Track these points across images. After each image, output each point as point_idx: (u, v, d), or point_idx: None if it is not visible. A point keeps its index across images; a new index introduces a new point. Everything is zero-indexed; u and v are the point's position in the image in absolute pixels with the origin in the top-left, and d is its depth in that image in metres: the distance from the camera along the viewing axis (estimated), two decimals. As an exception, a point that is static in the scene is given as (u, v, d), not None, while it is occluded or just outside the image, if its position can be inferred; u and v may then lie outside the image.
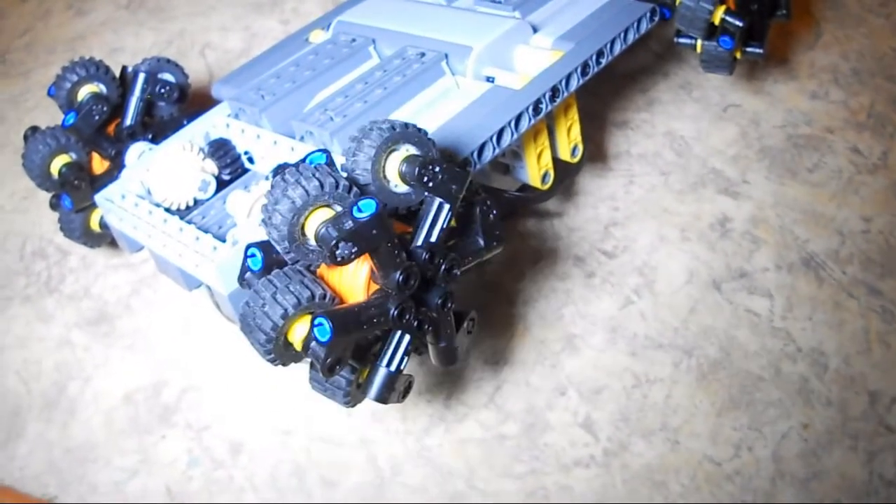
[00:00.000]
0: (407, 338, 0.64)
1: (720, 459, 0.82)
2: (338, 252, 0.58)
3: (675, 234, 0.97)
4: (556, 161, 0.90)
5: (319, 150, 0.68)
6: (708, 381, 0.86)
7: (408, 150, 0.65)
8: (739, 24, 0.89)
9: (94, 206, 0.85)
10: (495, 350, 0.90)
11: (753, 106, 1.10)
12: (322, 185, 0.60)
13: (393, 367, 0.63)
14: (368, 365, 0.65)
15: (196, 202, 0.81)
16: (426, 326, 0.64)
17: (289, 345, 0.61)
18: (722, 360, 0.87)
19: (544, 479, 0.82)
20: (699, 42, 0.95)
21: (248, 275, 0.65)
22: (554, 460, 0.83)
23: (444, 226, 0.64)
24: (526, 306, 0.92)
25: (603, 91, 1.14)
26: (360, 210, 0.58)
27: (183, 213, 0.80)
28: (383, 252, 0.60)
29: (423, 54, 0.83)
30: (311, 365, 0.65)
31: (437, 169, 0.63)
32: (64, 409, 0.91)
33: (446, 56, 0.83)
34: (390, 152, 0.65)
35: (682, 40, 0.96)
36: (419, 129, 0.66)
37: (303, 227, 0.61)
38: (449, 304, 0.65)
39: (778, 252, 0.94)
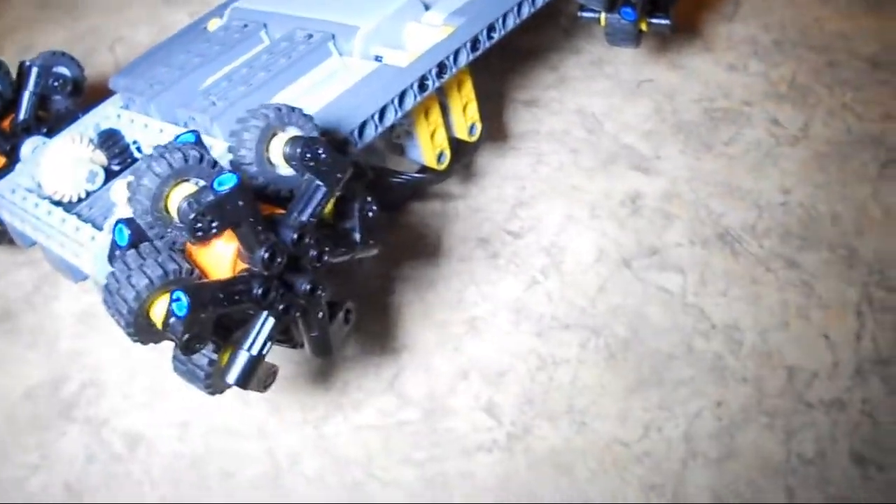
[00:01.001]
0: (271, 321, 0.63)
1: (629, 441, 0.81)
2: (198, 226, 0.57)
3: (584, 213, 0.96)
4: (453, 141, 0.89)
5: (190, 131, 0.67)
6: (616, 360, 0.85)
7: (291, 132, 0.66)
8: None
9: (-10, 202, 0.84)
10: (395, 335, 0.89)
11: (668, 80, 1.10)
12: (186, 159, 0.61)
13: (254, 351, 0.62)
14: (230, 348, 0.63)
15: (87, 193, 0.80)
16: (293, 312, 0.64)
17: (151, 322, 0.60)
18: (631, 339, 0.86)
19: (445, 465, 0.81)
20: (602, 15, 0.95)
21: (116, 252, 0.64)
22: (455, 446, 0.82)
23: (318, 207, 0.64)
24: (427, 290, 0.92)
25: (511, 70, 1.13)
26: (220, 184, 0.58)
27: (73, 206, 0.79)
28: (247, 228, 0.59)
29: (310, 36, 0.83)
30: (175, 345, 0.63)
31: (320, 150, 0.64)
32: (-35, 408, 0.90)
33: (333, 37, 0.83)
34: (273, 135, 0.66)
35: (584, 14, 0.96)
36: (301, 112, 0.67)
37: (166, 203, 0.61)
38: (318, 291, 0.64)
39: (692, 227, 0.94)
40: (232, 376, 0.62)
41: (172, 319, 0.57)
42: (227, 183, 0.58)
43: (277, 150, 0.66)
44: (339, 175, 0.64)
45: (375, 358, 0.88)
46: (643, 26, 0.96)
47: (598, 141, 1.03)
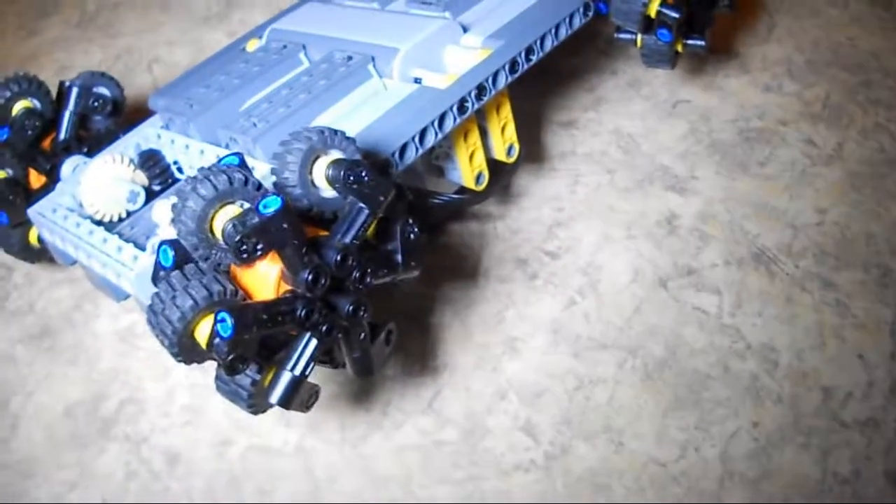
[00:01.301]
0: (314, 342, 0.64)
1: (665, 461, 0.81)
2: (243, 248, 0.58)
3: (620, 233, 0.97)
4: (492, 162, 0.90)
5: (233, 153, 0.68)
6: (653, 380, 0.86)
7: (334, 154, 0.67)
8: (676, 15, 0.90)
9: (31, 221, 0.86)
10: (435, 355, 0.90)
11: (704, 101, 1.11)
12: (231, 182, 0.62)
13: (297, 371, 0.63)
14: (273, 368, 0.64)
15: (128, 213, 0.82)
16: (336, 333, 0.64)
17: (195, 342, 0.61)
18: (668, 359, 0.87)
19: (482, 485, 0.81)
20: (639, 36, 0.96)
21: (161, 273, 0.65)
22: (493, 465, 0.83)
23: (361, 230, 0.65)
24: (467, 310, 0.93)
25: (549, 91, 1.14)
26: (265, 206, 0.59)
27: (114, 225, 0.81)
28: (291, 250, 0.60)
29: (350, 58, 0.84)
30: (218, 365, 0.64)
31: (363, 172, 0.64)
32: (6, 425, 0.91)
33: (373, 59, 0.84)
34: (317, 157, 0.66)
35: (621, 36, 0.97)
36: (344, 134, 0.67)
37: (211, 224, 0.62)
38: (361, 312, 0.65)
39: (727, 248, 0.94)
40: (275, 396, 0.63)
41: (217, 340, 0.58)
42: (272, 206, 0.59)
43: (320, 172, 0.66)
44: (381, 197, 0.65)
45: (415, 378, 0.88)
46: (679, 48, 0.96)
47: (635, 161, 1.04)
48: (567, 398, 0.85)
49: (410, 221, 0.69)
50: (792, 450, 0.80)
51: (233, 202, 0.63)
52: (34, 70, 1.22)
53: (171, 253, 0.64)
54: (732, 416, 0.83)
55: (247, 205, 0.62)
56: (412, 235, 0.69)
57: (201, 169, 0.63)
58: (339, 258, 0.62)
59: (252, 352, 0.61)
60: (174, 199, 0.70)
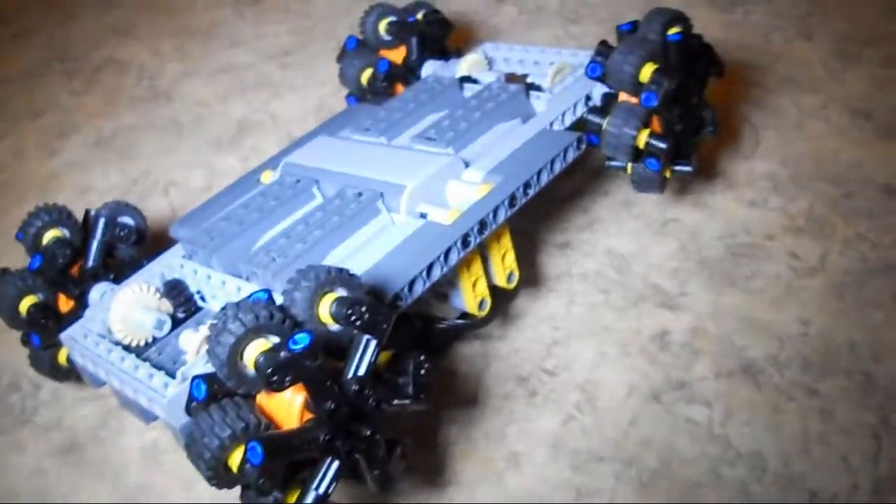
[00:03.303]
0: (336, 464, 0.72)
1: (662, 566, 0.88)
2: (273, 380, 0.68)
3: (615, 350, 1.04)
4: (493, 288, 0.98)
5: (262, 290, 0.77)
6: (648, 490, 0.92)
7: (340, 291, 0.76)
8: (663, 146, 0.98)
9: (61, 343, 0.95)
10: (440, 470, 0.97)
11: (693, 219, 1.19)
12: (258, 318, 0.71)
13: (321, 491, 0.72)
14: (297, 488, 0.73)
15: (154, 339, 0.92)
16: (356, 454, 0.73)
17: (229, 468, 0.70)
18: (662, 469, 0.94)
19: (492, 590, 0.88)
20: (629, 165, 1.04)
21: (193, 404, 0.74)
22: (501, 573, 0.89)
23: (372, 359, 0.73)
24: (471, 427, 1.00)
25: (546, 213, 1.23)
26: (295, 342, 0.69)
27: (142, 350, 0.90)
28: (316, 382, 0.70)
29: (360, 194, 0.93)
30: (245, 485, 0.73)
31: (364, 308, 0.73)
32: (37, 537, 0.98)
33: (382, 195, 0.93)
34: (323, 295, 0.75)
35: (612, 164, 1.05)
36: (349, 273, 0.77)
37: (242, 357, 0.71)
38: (378, 435, 0.74)
39: (716, 361, 1.02)
40: (303, 514, 0.72)
41: (248, 466, 0.67)
42: (301, 342, 0.68)
43: (326, 309, 0.75)
44: (384, 325, 0.74)
45: (425, 493, 0.95)
46: (668, 173, 1.04)
47: (628, 281, 1.12)
48: (567, 509, 0.93)
49: (422, 358, 0.77)
50: (782, 552, 0.87)
51: (262, 336, 0.72)
52: (55, 190, 1.34)
53: (203, 387, 0.73)
54: (724, 521, 0.90)
55: (273, 338, 0.72)
56: (423, 370, 0.77)
57: (231, 305, 0.72)
58: (356, 388, 0.72)
59: (279, 475, 0.70)
60: (202, 329, 0.80)
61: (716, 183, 1.25)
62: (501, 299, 1.01)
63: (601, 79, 1.01)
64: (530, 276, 1.14)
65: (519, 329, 1.09)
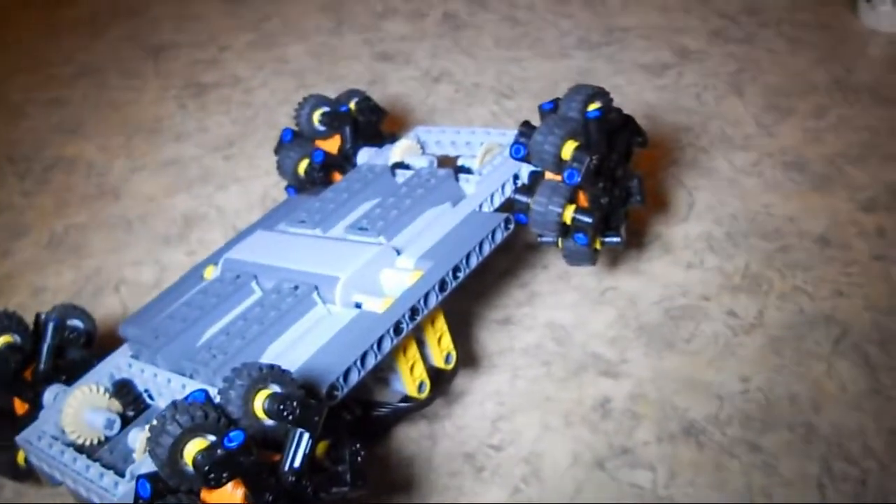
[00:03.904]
0: (280, 554, 0.76)
1: None
2: (211, 477, 0.72)
3: (558, 421, 1.08)
4: (432, 369, 1.02)
5: (199, 390, 0.81)
6: (595, 557, 0.95)
7: (272, 388, 0.80)
8: (589, 220, 1.01)
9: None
10: (393, 551, 1.00)
11: (630, 286, 1.23)
12: (193, 419, 0.75)
13: (264, 580, 0.75)
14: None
15: (106, 438, 0.96)
16: None
17: None
18: (608, 535, 0.97)
19: None
20: (559, 240, 1.08)
21: (140, 503, 0.78)
22: None
23: (307, 451, 0.78)
24: (421, 505, 1.03)
25: (484, 291, 1.27)
26: (230, 440, 0.74)
27: (95, 449, 0.95)
28: (253, 477, 0.74)
29: (296, 287, 0.97)
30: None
31: (295, 403, 0.78)
32: None
33: (316, 287, 0.97)
34: (257, 392, 0.79)
35: (544, 239, 1.08)
36: (281, 369, 0.81)
37: (182, 456, 0.75)
38: None
39: (658, 424, 1.05)
40: None
41: (194, 563, 0.72)
42: (236, 440, 0.73)
43: (259, 405, 0.79)
44: (316, 418, 0.78)
45: None
46: (598, 245, 1.08)
47: (569, 352, 1.16)
48: (516, 580, 0.96)
49: (357, 446, 0.81)
50: None
51: (199, 435, 0.76)
52: (9, 292, 1.37)
53: (148, 486, 0.77)
54: (672, 582, 0.93)
55: (210, 437, 0.76)
56: (359, 458, 0.81)
57: (170, 405, 0.76)
58: (293, 479, 0.76)
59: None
60: (148, 429, 0.84)
61: (653, 248, 1.29)
62: (443, 379, 1.04)
63: (525, 159, 1.05)
64: (473, 352, 1.18)
65: (464, 406, 1.12)
